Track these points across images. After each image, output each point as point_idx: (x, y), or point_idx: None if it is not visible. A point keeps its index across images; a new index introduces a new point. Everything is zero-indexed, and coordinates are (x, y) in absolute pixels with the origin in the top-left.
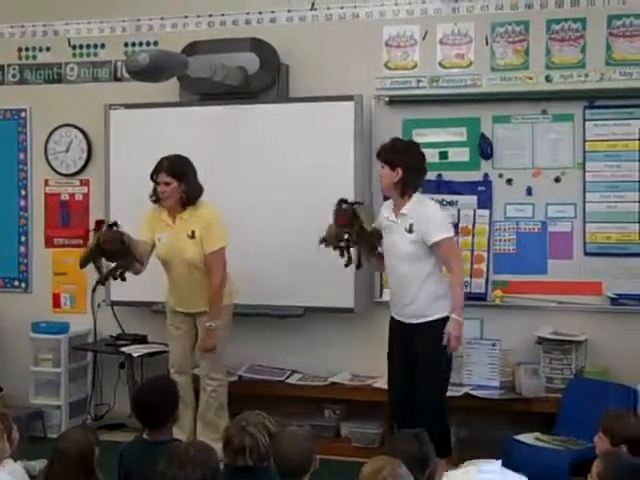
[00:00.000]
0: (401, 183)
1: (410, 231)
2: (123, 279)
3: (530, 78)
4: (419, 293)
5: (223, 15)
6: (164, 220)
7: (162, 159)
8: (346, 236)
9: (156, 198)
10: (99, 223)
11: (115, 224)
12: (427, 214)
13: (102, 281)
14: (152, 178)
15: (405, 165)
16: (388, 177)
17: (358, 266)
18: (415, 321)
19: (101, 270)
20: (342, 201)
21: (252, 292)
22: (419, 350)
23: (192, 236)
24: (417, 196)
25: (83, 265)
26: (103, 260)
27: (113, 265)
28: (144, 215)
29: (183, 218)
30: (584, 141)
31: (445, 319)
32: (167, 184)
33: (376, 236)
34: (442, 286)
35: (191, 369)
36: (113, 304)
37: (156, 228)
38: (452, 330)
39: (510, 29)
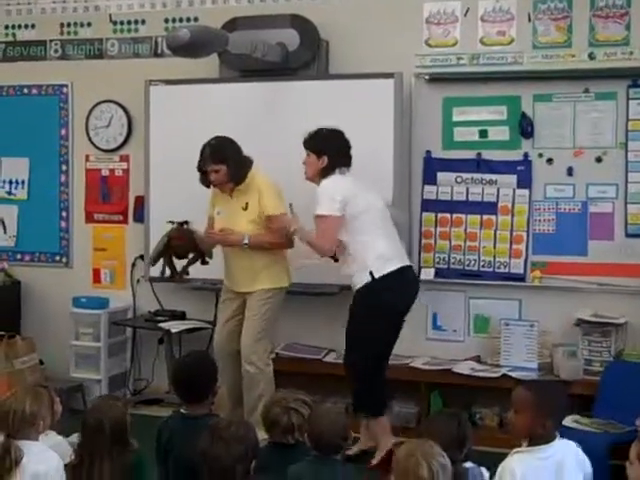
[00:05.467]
0: (325, 170)
1: None
2: (187, 273)
3: (573, 56)
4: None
5: None
6: (224, 194)
7: (204, 147)
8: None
9: (207, 184)
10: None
11: (186, 223)
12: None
13: (177, 279)
14: (200, 169)
15: (331, 152)
16: (314, 165)
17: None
18: None
19: (172, 266)
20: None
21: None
22: None
23: (245, 208)
24: None
25: (154, 262)
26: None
27: (186, 262)
28: (210, 194)
29: (240, 190)
30: (627, 120)
31: (363, 288)
32: (216, 171)
33: None
34: (361, 257)
35: (234, 352)
36: (152, 280)
37: (216, 203)
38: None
39: (553, 6)
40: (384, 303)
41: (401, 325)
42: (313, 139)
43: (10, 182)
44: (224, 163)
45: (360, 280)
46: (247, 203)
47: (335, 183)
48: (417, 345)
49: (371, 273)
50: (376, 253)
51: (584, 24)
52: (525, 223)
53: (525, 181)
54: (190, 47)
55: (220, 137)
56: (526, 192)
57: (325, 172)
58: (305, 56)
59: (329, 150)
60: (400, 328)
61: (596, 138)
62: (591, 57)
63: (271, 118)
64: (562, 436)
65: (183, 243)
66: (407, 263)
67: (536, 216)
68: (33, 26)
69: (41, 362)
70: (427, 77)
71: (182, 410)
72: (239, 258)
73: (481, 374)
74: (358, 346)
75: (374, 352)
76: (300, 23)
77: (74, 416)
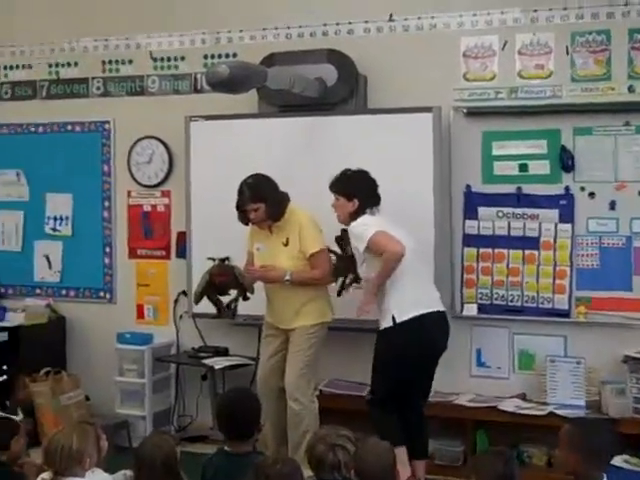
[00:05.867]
0: (356, 212)
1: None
2: (235, 310)
3: (612, 89)
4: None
5: (301, 27)
6: (263, 230)
7: (241, 186)
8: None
9: (245, 222)
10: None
11: (227, 259)
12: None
13: (224, 316)
14: (238, 208)
15: (361, 195)
16: (344, 208)
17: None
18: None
19: (218, 303)
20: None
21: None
22: None
23: (286, 244)
24: None
25: (197, 300)
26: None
27: (232, 297)
28: (248, 230)
29: (279, 227)
30: None
31: (385, 330)
32: (255, 210)
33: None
34: (385, 300)
35: (278, 388)
36: (195, 316)
37: (256, 239)
38: None
39: (591, 38)
40: (401, 349)
41: (424, 368)
42: (341, 182)
43: (55, 218)
44: (262, 201)
45: (383, 322)
46: (287, 239)
47: (367, 220)
48: (461, 382)
49: (393, 317)
50: (400, 297)
51: (623, 57)
52: (568, 258)
53: (567, 215)
54: (229, 83)
55: (257, 175)
56: (568, 226)
57: (356, 214)
58: (343, 91)
59: (359, 192)
60: (424, 371)
61: (639, 172)
62: (631, 90)
63: (310, 152)
64: (612, 476)
65: (225, 279)
66: (433, 309)
67: (579, 251)
68: (76, 64)
69: (87, 398)
70: (465, 111)
71: (226, 447)
72: (281, 294)
73: (527, 412)
74: (375, 383)
75: (388, 391)
76: (338, 58)
77: (119, 453)
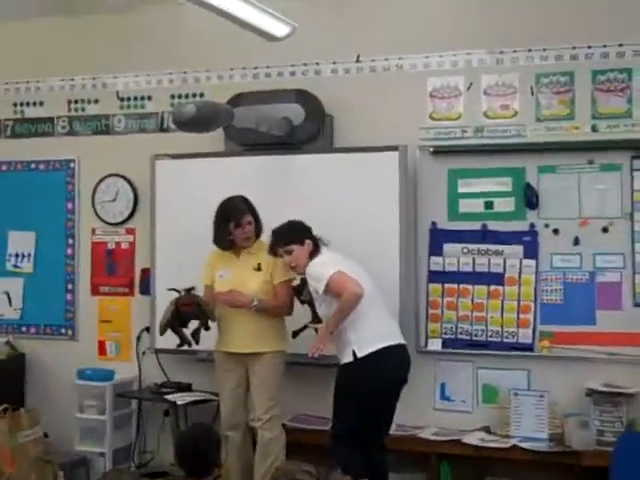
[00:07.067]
0: (314, 252)
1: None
2: (197, 342)
3: (576, 128)
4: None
5: (268, 67)
6: (227, 257)
7: (235, 202)
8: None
9: (230, 243)
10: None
11: (192, 289)
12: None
13: (189, 344)
14: (234, 224)
15: (309, 234)
16: (301, 253)
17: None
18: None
19: (181, 334)
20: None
21: (298, 340)
22: None
23: (258, 269)
24: None
25: (163, 332)
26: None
27: (195, 327)
28: (206, 260)
29: (251, 252)
30: (632, 191)
31: (346, 365)
32: (250, 223)
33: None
34: (345, 335)
35: (246, 423)
36: (158, 352)
37: (217, 267)
38: None
39: (555, 79)
40: (362, 384)
41: (385, 401)
42: (287, 233)
43: (16, 255)
44: (254, 216)
45: (343, 357)
46: (259, 264)
47: (324, 259)
48: (425, 415)
49: (354, 352)
50: (360, 332)
51: (586, 97)
52: (532, 293)
53: (532, 251)
54: (196, 122)
55: (240, 195)
56: (533, 262)
57: (313, 254)
58: (310, 130)
59: (306, 233)
60: (385, 404)
61: (602, 209)
62: (594, 129)
63: (277, 192)
64: None
65: (192, 310)
66: (392, 342)
67: (543, 286)
68: (41, 103)
69: (46, 435)
70: (431, 149)
71: None
72: (241, 318)
73: (491, 445)
74: (336, 418)
75: (349, 425)
76: (305, 98)
77: None
